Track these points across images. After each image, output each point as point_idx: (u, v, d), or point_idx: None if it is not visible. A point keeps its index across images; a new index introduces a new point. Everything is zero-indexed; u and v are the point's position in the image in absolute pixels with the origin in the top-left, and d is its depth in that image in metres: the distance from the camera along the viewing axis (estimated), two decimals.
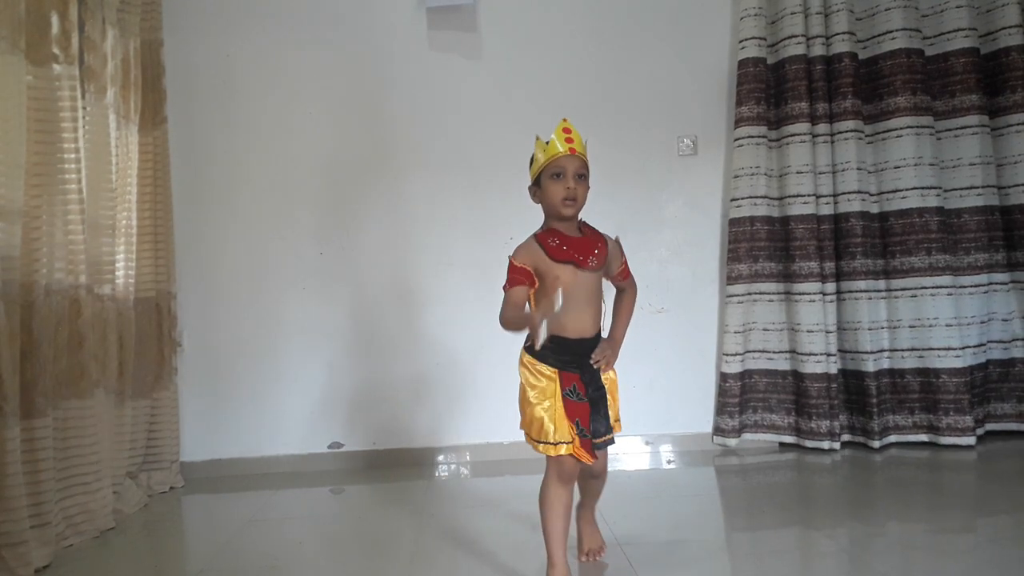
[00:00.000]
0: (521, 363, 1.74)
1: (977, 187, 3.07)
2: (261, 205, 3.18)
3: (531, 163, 1.76)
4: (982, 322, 3.10)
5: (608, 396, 1.75)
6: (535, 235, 1.71)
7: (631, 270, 1.87)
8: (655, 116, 3.26)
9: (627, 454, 3.19)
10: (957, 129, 3.10)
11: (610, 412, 1.76)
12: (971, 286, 3.08)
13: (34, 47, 2.08)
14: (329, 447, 3.16)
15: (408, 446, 3.16)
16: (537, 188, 1.72)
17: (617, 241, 1.80)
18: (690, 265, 3.27)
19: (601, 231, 1.78)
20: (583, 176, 1.69)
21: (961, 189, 3.10)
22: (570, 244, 1.67)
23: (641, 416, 3.20)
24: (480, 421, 3.15)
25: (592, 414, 1.70)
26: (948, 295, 3.01)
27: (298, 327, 3.16)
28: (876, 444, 2.99)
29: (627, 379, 3.15)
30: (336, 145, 3.20)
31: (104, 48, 2.55)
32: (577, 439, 1.66)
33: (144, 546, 2.32)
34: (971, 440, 2.94)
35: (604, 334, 1.81)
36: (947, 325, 3.00)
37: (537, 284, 1.67)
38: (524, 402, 1.72)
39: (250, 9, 3.19)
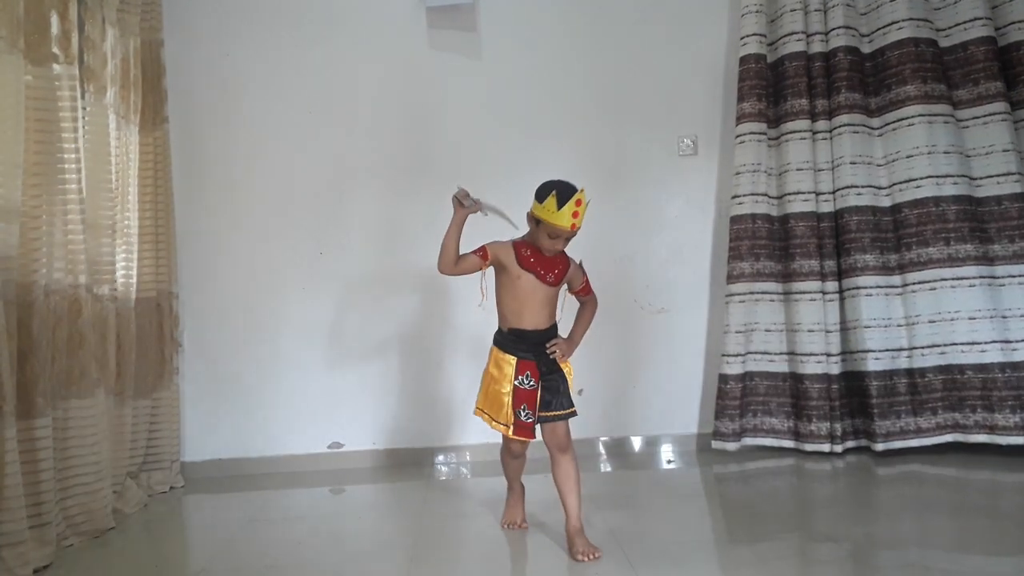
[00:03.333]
0: (490, 354, 2.10)
1: (1014, 173, 2.95)
2: (262, 205, 3.18)
3: (538, 197, 1.95)
4: None
5: (566, 381, 2.05)
6: (514, 240, 2.05)
7: (593, 288, 2.15)
8: (655, 116, 3.25)
9: (627, 454, 3.18)
10: (985, 116, 2.99)
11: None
12: (1019, 276, 2.93)
13: (34, 47, 2.07)
14: (329, 447, 3.16)
15: (408, 446, 3.16)
16: (534, 222, 1.98)
17: (580, 265, 2.10)
18: (691, 265, 3.26)
19: (567, 255, 2.06)
20: (570, 239, 1.99)
21: (998, 176, 2.97)
22: (538, 259, 2.01)
23: (641, 416, 3.20)
24: (480, 421, 3.13)
25: (546, 394, 2.01)
26: (970, 287, 2.90)
27: (298, 327, 3.16)
28: (880, 447, 2.90)
29: (628, 379, 3.19)
30: (336, 144, 3.20)
31: (104, 48, 2.55)
32: (514, 424, 2.01)
33: (144, 546, 2.32)
34: (1016, 440, 2.79)
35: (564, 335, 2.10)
36: (970, 318, 2.89)
37: (487, 263, 2.01)
38: (487, 381, 2.08)
39: (250, 9, 3.19)
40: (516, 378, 2.01)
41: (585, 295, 2.15)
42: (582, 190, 1.91)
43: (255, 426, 3.14)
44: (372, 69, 3.21)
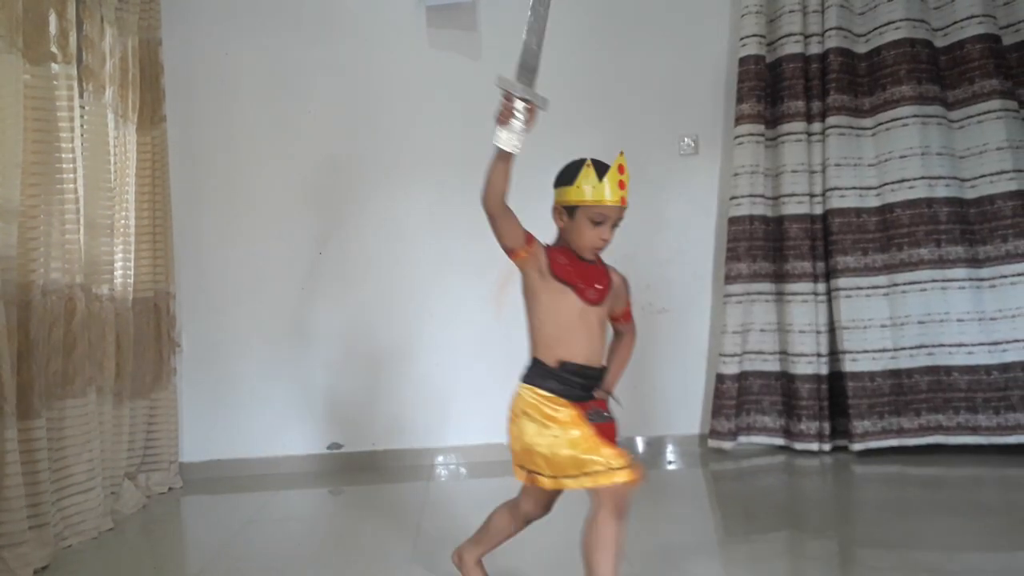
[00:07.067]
0: (522, 401, 1.48)
1: (1008, 171, 2.90)
2: (260, 205, 3.17)
3: (564, 180, 1.52)
4: None
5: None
6: (547, 246, 1.54)
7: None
8: (656, 115, 3.25)
9: (632, 455, 3.18)
10: (980, 115, 2.95)
11: None
12: (1012, 275, 2.88)
13: (32, 46, 2.06)
14: (328, 448, 3.15)
15: (407, 447, 3.15)
16: (565, 214, 1.50)
17: (624, 280, 1.60)
18: (691, 265, 3.26)
19: (608, 265, 1.58)
20: (618, 223, 1.51)
21: (991, 175, 2.93)
22: (577, 268, 1.49)
23: (645, 417, 3.20)
24: (480, 421, 3.13)
25: None
26: (960, 288, 2.89)
27: (297, 327, 3.15)
28: (857, 447, 2.89)
29: (630, 380, 3.16)
30: (335, 144, 3.19)
31: (102, 47, 2.54)
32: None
33: (143, 547, 2.31)
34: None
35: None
36: (959, 320, 2.88)
37: (530, 250, 1.49)
38: (535, 442, 1.45)
39: (249, 8, 3.18)
40: (585, 412, 1.46)
41: (626, 322, 1.64)
42: (621, 153, 1.48)
43: (254, 427, 3.13)
44: (371, 68, 3.20)
